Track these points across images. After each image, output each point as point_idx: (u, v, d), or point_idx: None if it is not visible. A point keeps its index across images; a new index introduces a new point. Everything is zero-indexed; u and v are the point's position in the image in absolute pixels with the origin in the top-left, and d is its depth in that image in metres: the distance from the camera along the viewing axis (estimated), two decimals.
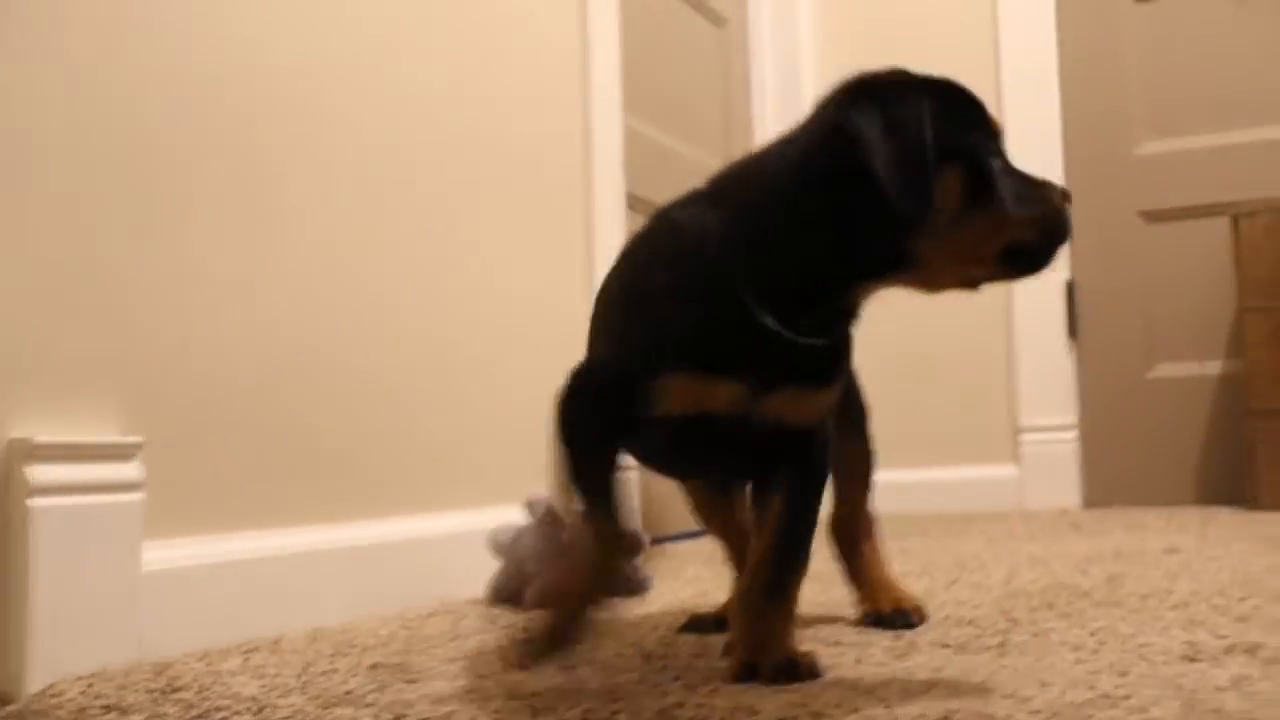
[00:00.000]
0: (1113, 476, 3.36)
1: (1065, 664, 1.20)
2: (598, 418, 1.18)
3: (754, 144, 3.42)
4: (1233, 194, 3.21)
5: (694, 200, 1.19)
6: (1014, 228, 1.10)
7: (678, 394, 1.12)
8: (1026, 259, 1.13)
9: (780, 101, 3.50)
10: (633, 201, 2.64)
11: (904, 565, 2.11)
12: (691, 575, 2.09)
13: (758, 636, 1.16)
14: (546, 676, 1.22)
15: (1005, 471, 3.47)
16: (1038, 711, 0.99)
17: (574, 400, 1.18)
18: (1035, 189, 1.13)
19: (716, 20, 3.31)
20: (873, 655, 1.29)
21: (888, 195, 1.03)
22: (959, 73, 3.55)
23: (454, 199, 2.03)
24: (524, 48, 2.24)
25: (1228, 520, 2.78)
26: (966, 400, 3.54)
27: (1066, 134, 3.47)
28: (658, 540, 2.61)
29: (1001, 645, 1.32)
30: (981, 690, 1.09)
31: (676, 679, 1.19)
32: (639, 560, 1.87)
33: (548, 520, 1.78)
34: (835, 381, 1.19)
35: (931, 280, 1.14)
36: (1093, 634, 1.35)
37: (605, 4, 2.46)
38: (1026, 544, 2.42)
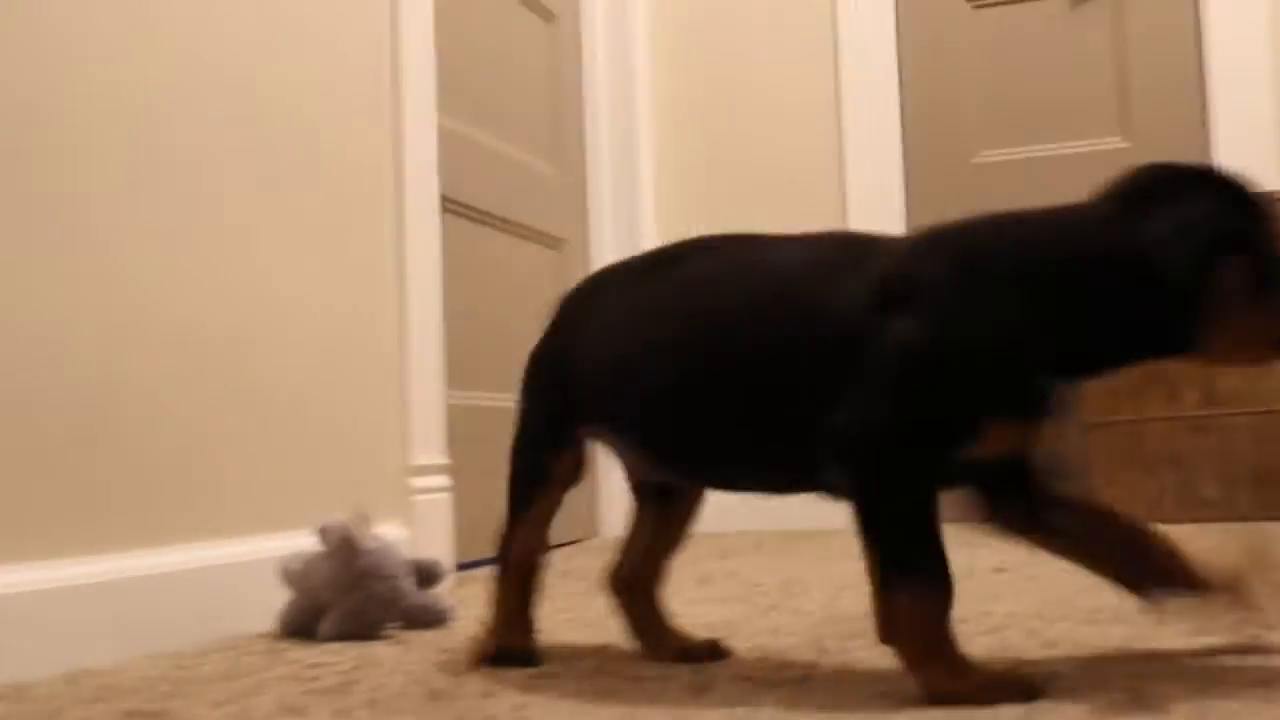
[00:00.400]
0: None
1: (863, 697, 1.15)
2: (935, 470, 1.18)
3: (586, 145, 3.35)
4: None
5: (988, 244, 1.21)
6: None
7: (1000, 438, 1.17)
8: None
9: (613, 100, 3.44)
10: (449, 205, 2.56)
11: (728, 589, 2.04)
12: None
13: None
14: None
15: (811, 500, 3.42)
16: None
17: (907, 458, 1.17)
18: None
19: (545, 15, 3.23)
20: (669, 691, 1.21)
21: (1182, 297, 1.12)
22: (798, 73, 3.49)
23: (249, 201, 1.92)
24: (329, 43, 2.13)
25: None
26: None
27: (906, 141, 3.47)
28: (472, 565, 2.50)
29: (804, 679, 1.27)
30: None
31: None
32: (440, 589, 1.77)
33: (342, 548, 1.67)
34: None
35: (1222, 359, 1.24)
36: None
37: (420, 3, 2.36)
38: (856, 563, 2.36)
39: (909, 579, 1.14)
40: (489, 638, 1.44)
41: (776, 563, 2.48)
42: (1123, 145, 3.32)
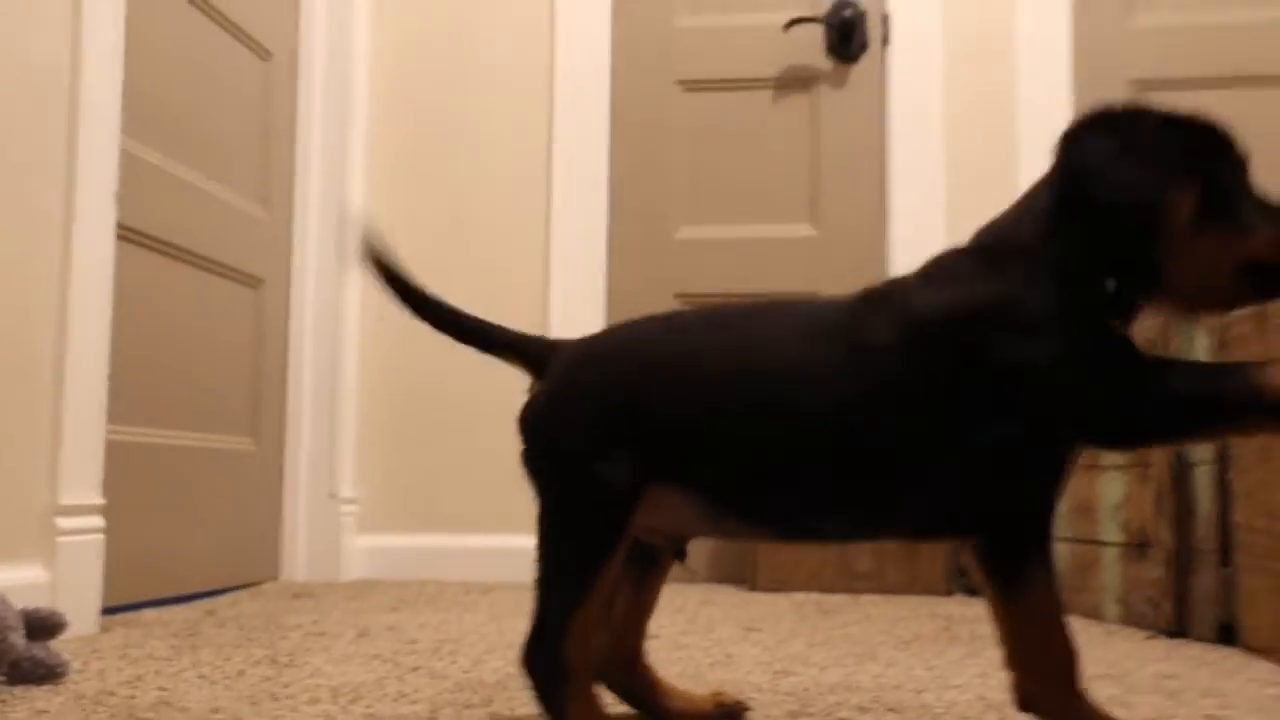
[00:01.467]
0: None
1: None
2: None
3: (295, 186, 3.26)
4: (758, 285, 3.35)
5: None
6: (1252, 244, 1.14)
7: None
8: (1267, 279, 1.16)
9: (327, 143, 3.35)
10: (131, 235, 2.47)
11: (380, 645, 1.97)
12: (143, 653, 1.88)
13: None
14: None
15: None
16: None
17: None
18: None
19: (262, 54, 3.13)
20: None
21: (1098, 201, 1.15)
22: (512, 132, 3.48)
23: None
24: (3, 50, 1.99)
25: (726, 600, 2.82)
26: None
27: (612, 210, 3.52)
28: (120, 609, 2.36)
29: None
30: None
31: None
32: (55, 641, 1.65)
33: None
34: None
35: (1183, 297, 1.19)
36: None
37: (106, 26, 2.25)
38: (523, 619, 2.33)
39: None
40: None
41: (445, 617, 2.43)
42: (811, 233, 3.45)
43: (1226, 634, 2.10)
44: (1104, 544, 2.48)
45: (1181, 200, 1.13)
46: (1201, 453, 2.20)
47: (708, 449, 1.25)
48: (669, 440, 1.26)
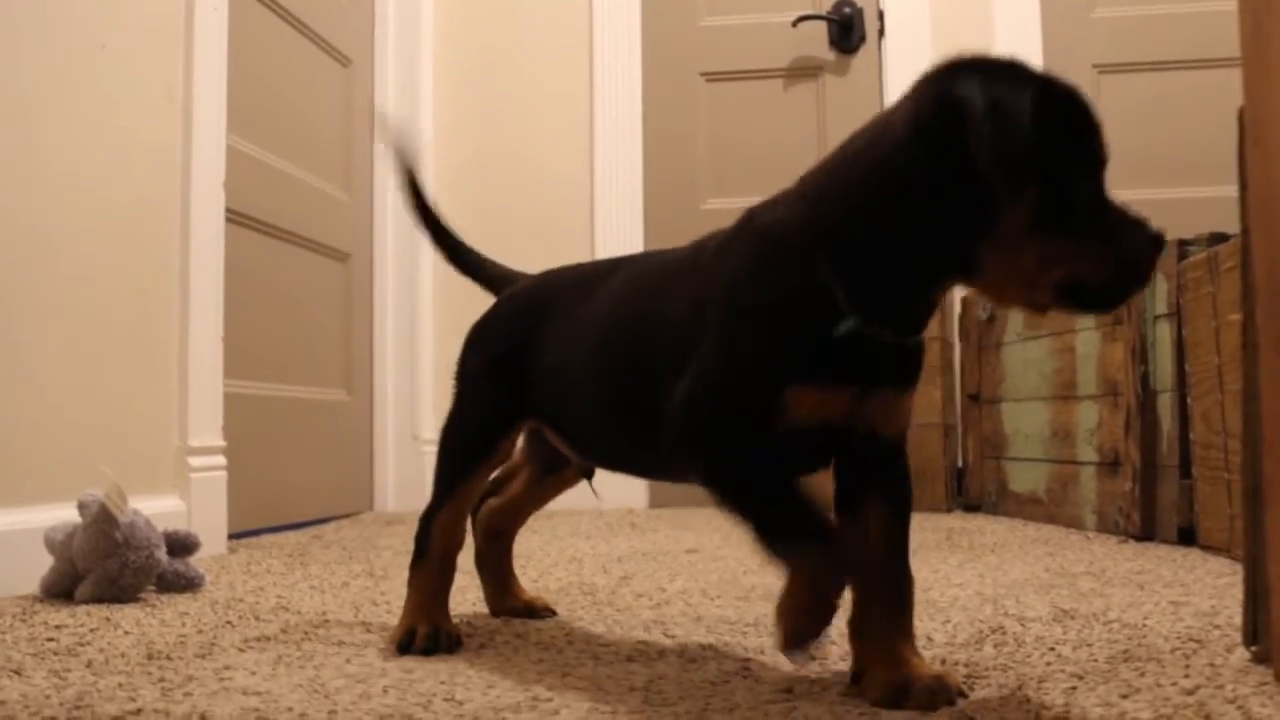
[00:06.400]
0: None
1: (524, 664, 1.13)
2: (753, 443, 0.97)
3: (374, 173, 3.28)
4: None
5: (781, 199, 1.02)
6: (1080, 261, 0.90)
7: (804, 405, 0.94)
8: (1088, 296, 0.92)
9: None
10: (237, 217, 2.48)
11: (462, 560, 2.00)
12: (263, 569, 1.92)
13: (899, 656, 0.97)
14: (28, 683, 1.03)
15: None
16: (461, 716, 0.91)
17: (722, 435, 0.98)
18: (1123, 226, 0.92)
19: (343, 61, 3.15)
20: (365, 657, 1.17)
21: (982, 170, 0.85)
22: (560, 131, 3.47)
23: (38, 202, 1.78)
24: (123, 61, 2.02)
25: None
26: None
27: (646, 190, 3.51)
28: (244, 534, 2.41)
29: (482, 647, 1.24)
30: (425, 694, 0.99)
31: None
32: (193, 558, 1.69)
33: (100, 519, 1.57)
34: (916, 383, 1.01)
35: (995, 294, 0.96)
36: (567, 634, 1.28)
37: (213, 40, 2.28)
38: (580, 541, 2.37)
39: (783, 542, 0.95)
40: (409, 621, 1.25)
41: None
42: None
43: (1187, 536, 2.11)
44: (1081, 463, 2.48)
45: (1025, 197, 0.87)
46: (1163, 381, 2.20)
47: (551, 397, 1.25)
48: (538, 385, 1.26)
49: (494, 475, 1.41)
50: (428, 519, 1.29)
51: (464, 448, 1.31)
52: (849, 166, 0.97)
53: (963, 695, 0.95)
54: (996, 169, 0.85)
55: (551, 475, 1.42)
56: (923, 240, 0.92)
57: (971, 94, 0.87)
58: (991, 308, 2.97)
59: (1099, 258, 0.91)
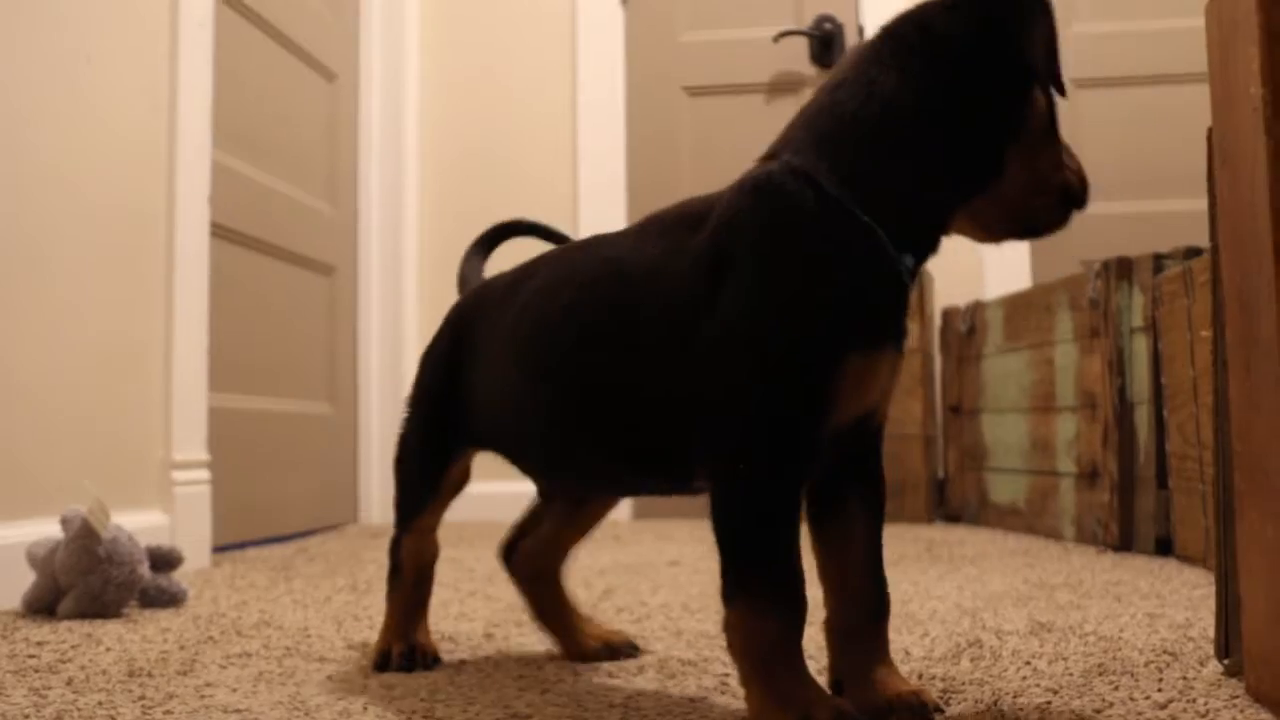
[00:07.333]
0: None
1: (504, 681, 1.13)
2: (805, 451, 0.87)
3: (358, 187, 3.28)
4: None
5: (784, 152, 0.95)
6: (1067, 167, 0.98)
7: (863, 377, 0.88)
8: (1071, 200, 0.98)
9: (384, 150, 3.38)
10: (221, 231, 2.48)
11: (441, 574, 2.00)
12: (246, 583, 1.91)
13: (878, 674, 0.95)
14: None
15: None
16: None
17: (776, 434, 0.86)
18: (1067, 148, 1.00)
19: (328, 75, 3.15)
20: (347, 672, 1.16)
21: (1038, 68, 0.92)
22: (543, 137, 3.46)
23: (23, 215, 1.77)
24: (108, 78, 2.02)
25: None
26: None
27: (630, 205, 3.52)
28: (228, 547, 2.40)
29: (464, 662, 1.24)
30: (405, 711, 0.99)
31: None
32: (176, 573, 1.69)
33: (83, 534, 1.57)
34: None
35: (1005, 203, 0.95)
36: (547, 650, 1.29)
37: (198, 55, 2.28)
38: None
39: (745, 597, 0.88)
40: (385, 640, 1.23)
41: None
42: None
43: (1164, 546, 2.13)
44: (1060, 475, 2.50)
45: (1042, 101, 0.94)
46: (1140, 393, 2.21)
47: (493, 417, 1.14)
48: (472, 407, 1.17)
49: (520, 520, 1.30)
50: (396, 542, 1.25)
51: (413, 481, 1.25)
52: (864, 101, 0.92)
53: (939, 710, 0.96)
54: (1052, 64, 0.92)
55: (586, 503, 1.27)
56: (957, 156, 0.92)
57: (1029, 17, 0.92)
58: (971, 319, 2.98)
59: (1075, 166, 0.99)
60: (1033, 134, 0.93)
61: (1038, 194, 0.95)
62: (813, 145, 0.93)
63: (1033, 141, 0.94)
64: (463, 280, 1.40)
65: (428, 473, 1.23)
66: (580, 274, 1.05)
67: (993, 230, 0.97)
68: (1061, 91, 0.94)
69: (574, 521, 1.28)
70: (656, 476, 1.03)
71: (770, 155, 0.97)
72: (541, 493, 1.29)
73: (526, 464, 1.16)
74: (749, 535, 0.89)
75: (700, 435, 0.90)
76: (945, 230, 0.95)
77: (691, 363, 0.90)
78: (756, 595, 0.88)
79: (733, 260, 0.90)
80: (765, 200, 0.92)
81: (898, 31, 0.95)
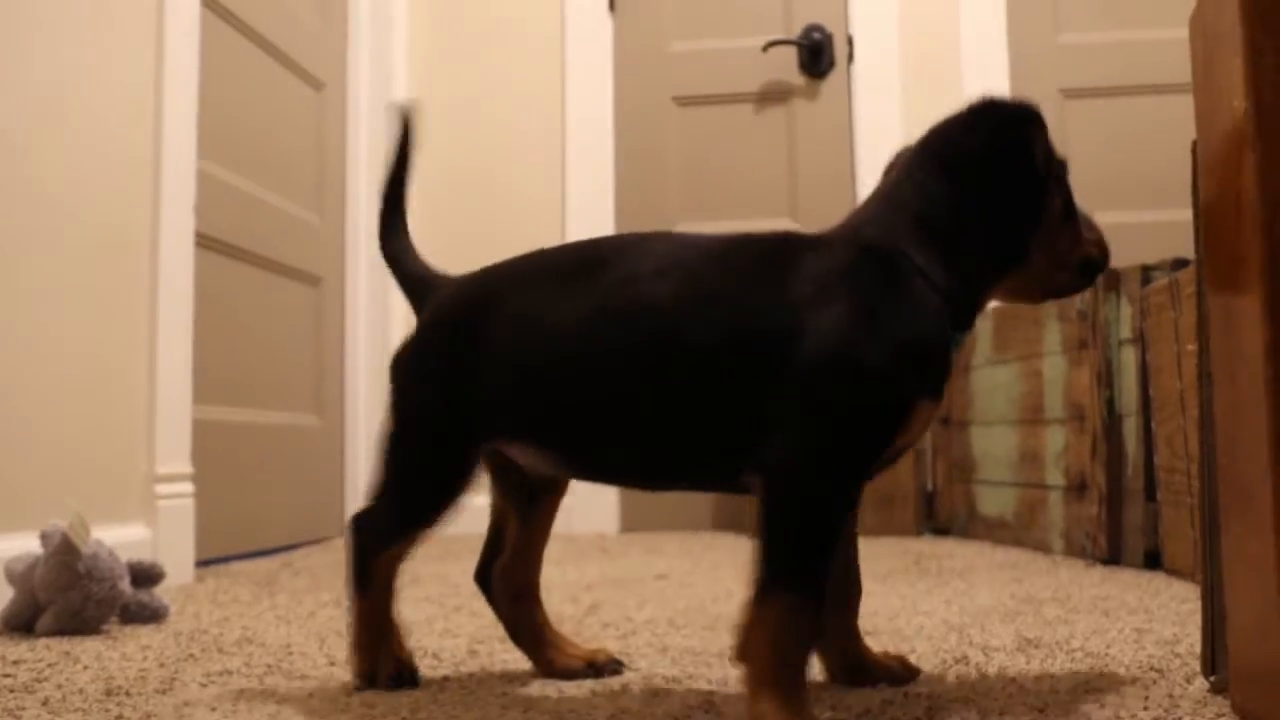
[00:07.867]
0: (646, 506, 3.36)
1: (488, 698, 1.12)
2: (869, 468, 1.02)
3: (346, 197, 3.27)
4: None
5: (872, 220, 1.11)
6: (1085, 242, 1.17)
7: (921, 420, 1.03)
8: (1091, 270, 1.19)
9: (372, 159, 3.35)
10: (207, 241, 2.47)
11: (429, 590, 1.99)
12: (230, 598, 1.90)
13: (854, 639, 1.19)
14: None
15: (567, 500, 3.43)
16: None
17: (848, 454, 0.99)
18: (1088, 220, 1.19)
19: (315, 84, 3.14)
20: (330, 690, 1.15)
21: (1050, 180, 1.12)
22: (533, 151, 3.47)
23: (4, 224, 1.76)
24: (95, 87, 2.00)
25: (727, 545, 2.83)
26: None
27: (618, 215, 3.51)
28: (211, 561, 2.39)
29: (447, 679, 1.22)
30: None
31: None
32: (157, 589, 1.68)
33: (62, 550, 1.55)
34: None
35: (1035, 279, 1.15)
36: (531, 666, 1.27)
37: (184, 65, 2.28)
38: (549, 568, 2.34)
39: (786, 593, 0.94)
40: (366, 659, 1.20)
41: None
42: (791, 226, 3.44)
43: (1153, 560, 2.12)
44: (1049, 487, 2.49)
45: (1057, 196, 1.14)
46: (1128, 405, 2.21)
47: (537, 416, 1.12)
48: (505, 395, 1.13)
49: (485, 544, 1.28)
50: (374, 554, 1.20)
51: (419, 486, 1.18)
52: (921, 202, 1.09)
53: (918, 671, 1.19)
54: (1050, 164, 1.12)
55: (540, 498, 1.26)
56: (992, 248, 1.10)
57: (1035, 135, 1.11)
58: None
59: (1096, 239, 1.18)
60: (1051, 222, 1.12)
61: (1059, 270, 1.16)
62: (894, 228, 1.08)
63: (1051, 228, 1.12)
64: (394, 259, 1.32)
65: (442, 475, 1.17)
66: (682, 266, 1.08)
67: (1024, 299, 1.22)
68: (1063, 189, 1.14)
69: (535, 520, 1.26)
70: (705, 473, 1.10)
71: (852, 228, 1.11)
72: (494, 508, 1.27)
73: (562, 449, 1.14)
74: (806, 534, 0.96)
75: (775, 441, 0.98)
76: (984, 305, 1.12)
77: (782, 379, 0.99)
78: (797, 590, 0.94)
79: (838, 300, 1.01)
80: (878, 260, 1.05)
81: (932, 146, 1.13)
